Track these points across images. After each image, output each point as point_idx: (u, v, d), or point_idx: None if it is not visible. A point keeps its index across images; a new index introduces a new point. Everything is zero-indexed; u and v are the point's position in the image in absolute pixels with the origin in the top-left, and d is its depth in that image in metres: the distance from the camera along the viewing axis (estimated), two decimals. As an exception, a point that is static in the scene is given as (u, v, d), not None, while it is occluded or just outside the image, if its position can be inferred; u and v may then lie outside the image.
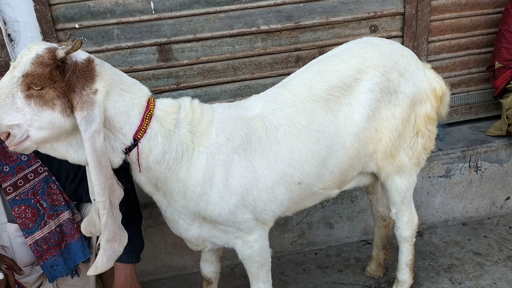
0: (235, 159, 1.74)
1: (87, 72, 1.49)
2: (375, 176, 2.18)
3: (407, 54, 1.99)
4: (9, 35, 2.64)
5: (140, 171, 1.67)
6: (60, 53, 1.44)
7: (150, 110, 1.63)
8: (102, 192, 1.55)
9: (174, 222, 1.85)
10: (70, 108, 1.49)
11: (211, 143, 1.71)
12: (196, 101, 1.79)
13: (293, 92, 1.87)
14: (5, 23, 2.61)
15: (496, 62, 3.05)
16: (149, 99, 1.66)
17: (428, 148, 2.10)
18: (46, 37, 2.63)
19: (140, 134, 1.61)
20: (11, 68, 1.48)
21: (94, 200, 1.78)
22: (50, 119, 1.48)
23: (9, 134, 1.50)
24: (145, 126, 1.61)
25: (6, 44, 2.62)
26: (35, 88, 1.45)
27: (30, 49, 1.47)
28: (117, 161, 1.62)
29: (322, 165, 1.87)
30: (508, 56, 2.98)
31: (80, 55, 1.51)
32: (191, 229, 1.85)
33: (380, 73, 1.88)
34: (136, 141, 1.61)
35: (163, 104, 1.70)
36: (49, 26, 2.63)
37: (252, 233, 1.88)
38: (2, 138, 1.52)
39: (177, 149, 1.67)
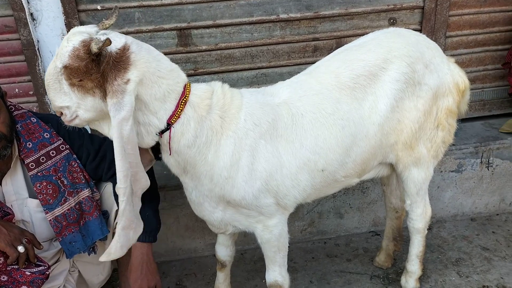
0: (261, 144, 1.76)
1: (120, 63, 1.50)
2: (392, 167, 2.20)
3: (432, 47, 2.00)
4: (31, 14, 2.65)
5: (170, 154, 1.69)
6: (94, 48, 1.45)
7: (186, 96, 1.65)
8: (124, 179, 1.57)
9: (199, 205, 1.88)
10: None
11: (239, 128, 1.73)
12: (226, 85, 1.80)
13: (319, 80, 1.88)
14: (28, 2, 2.62)
15: None
16: (185, 85, 1.67)
17: (447, 141, 2.12)
18: (68, 17, 2.65)
19: (174, 119, 1.63)
20: (55, 54, 1.54)
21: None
22: (93, 104, 1.57)
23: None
24: (179, 112, 1.63)
25: (29, 23, 2.63)
26: (75, 79, 1.51)
27: (68, 40, 1.51)
28: (151, 142, 1.66)
29: (346, 153, 1.89)
30: None
31: (116, 44, 1.51)
32: (215, 212, 1.87)
33: (406, 63, 1.89)
34: (169, 125, 1.63)
35: (198, 90, 1.72)
36: (72, 7, 2.63)
37: (273, 218, 1.90)
38: (58, 115, 1.68)
39: (207, 134, 1.69)
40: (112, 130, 1.52)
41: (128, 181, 1.59)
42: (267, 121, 1.78)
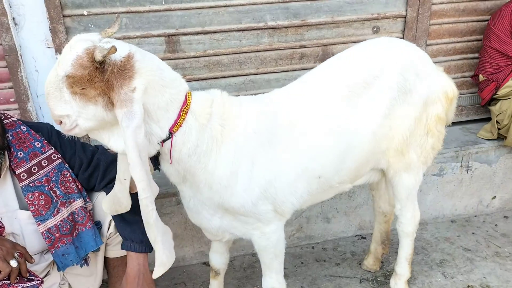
0: (261, 152, 1.77)
1: (125, 71, 1.48)
2: (382, 173, 2.26)
3: (423, 56, 2.06)
4: (13, 18, 2.58)
5: (171, 163, 1.68)
6: (98, 55, 1.43)
7: (187, 105, 1.64)
8: (147, 188, 1.55)
9: (197, 213, 1.87)
10: (111, 103, 1.50)
11: (239, 136, 1.73)
12: (225, 93, 1.80)
13: (315, 88, 1.91)
14: (10, 6, 2.54)
15: (480, 76, 3.20)
16: (186, 94, 1.67)
17: (436, 148, 2.18)
18: (53, 22, 2.59)
19: (176, 127, 1.62)
20: (56, 62, 1.50)
21: (125, 179, 1.78)
22: (94, 113, 1.53)
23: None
24: (181, 121, 1.62)
25: (11, 28, 2.55)
26: (77, 88, 1.48)
27: (71, 48, 1.47)
28: (152, 151, 1.64)
29: (341, 160, 1.93)
30: (491, 70, 3.14)
31: (120, 52, 1.49)
32: (213, 219, 1.87)
33: (398, 72, 1.94)
34: (171, 134, 1.62)
35: (199, 99, 1.71)
36: (57, 12, 2.58)
37: (270, 225, 1.92)
38: (57, 124, 1.61)
39: (208, 142, 1.69)
40: (127, 141, 1.49)
41: (150, 189, 1.58)
42: (266, 129, 1.79)
